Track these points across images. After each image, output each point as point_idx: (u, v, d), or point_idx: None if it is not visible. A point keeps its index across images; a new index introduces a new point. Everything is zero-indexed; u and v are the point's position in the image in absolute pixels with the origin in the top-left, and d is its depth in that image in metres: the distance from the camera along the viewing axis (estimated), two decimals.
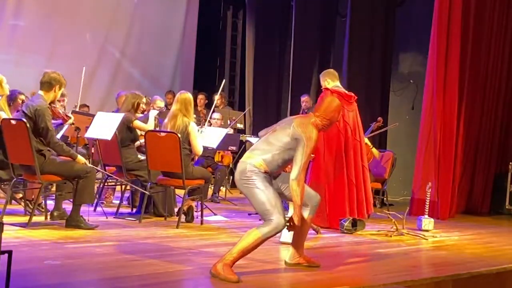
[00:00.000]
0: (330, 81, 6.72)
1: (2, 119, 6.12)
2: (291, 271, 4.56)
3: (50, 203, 6.48)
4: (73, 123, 6.60)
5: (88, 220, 5.92)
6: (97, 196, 7.01)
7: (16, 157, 5.94)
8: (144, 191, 6.63)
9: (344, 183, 6.65)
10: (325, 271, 4.62)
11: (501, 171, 9.82)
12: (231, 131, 9.20)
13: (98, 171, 6.92)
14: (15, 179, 6.10)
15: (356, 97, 6.86)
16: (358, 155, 6.72)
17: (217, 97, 9.74)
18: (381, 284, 4.26)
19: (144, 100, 7.29)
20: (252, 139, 9.10)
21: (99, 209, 6.96)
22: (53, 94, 5.96)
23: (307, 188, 4.51)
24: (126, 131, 7.02)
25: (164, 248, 5.24)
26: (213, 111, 9.40)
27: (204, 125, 8.75)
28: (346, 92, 6.77)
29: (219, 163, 9.05)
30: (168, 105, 9.75)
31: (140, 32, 12.51)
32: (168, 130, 6.53)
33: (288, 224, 4.35)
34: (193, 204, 6.91)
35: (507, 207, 9.61)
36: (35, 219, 5.92)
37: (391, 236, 6.53)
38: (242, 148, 9.96)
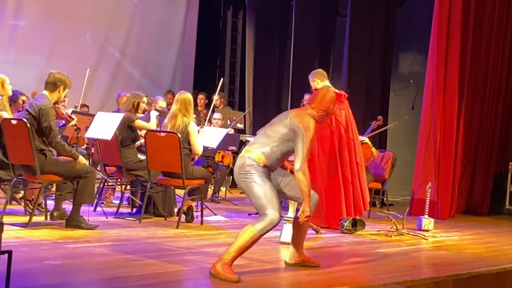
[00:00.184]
0: (320, 81, 6.71)
1: (2, 119, 6.12)
2: (291, 271, 4.56)
3: (50, 203, 6.47)
4: (75, 124, 6.61)
5: (88, 220, 5.92)
6: (97, 196, 7.01)
7: (17, 157, 5.95)
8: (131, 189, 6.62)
9: (339, 182, 6.62)
10: (325, 271, 4.62)
11: (501, 171, 9.82)
12: (231, 131, 9.20)
13: (98, 172, 6.92)
14: (15, 179, 6.10)
15: (346, 95, 6.85)
16: (352, 153, 6.71)
17: (215, 97, 9.74)
18: (381, 284, 4.26)
19: (145, 99, 7.28)
20: (252, 139, 9.08)
21: (99, 209, 6.96)
22: (58, 94, 5.97)
23: None
24: (127, 130, 7.02)
25: (164, 248, 5.24)
26: (213, 111, 9.40)
27: (204, 125, 8.75)
28: (337, 90, 6.75)
29: (220, 163, 9.05)
30: (168, 105, 9.75)
31: (140, 32, 12.51)
32: (168, 130, 6.54)
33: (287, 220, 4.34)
34: (193, 204, 6.92)
35: (507, 207, 9.61)
36: (35, 219, 5.92)
37: (391, 236, 6.53)
38: (242, 148, 9.94)
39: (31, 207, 6.16)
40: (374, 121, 8.41)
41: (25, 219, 5.96)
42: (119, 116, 6.83)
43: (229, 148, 8.67)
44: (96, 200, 6.93)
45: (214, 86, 11.47)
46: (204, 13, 13.35)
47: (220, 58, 14.08)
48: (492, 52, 9.43)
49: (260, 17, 12.51)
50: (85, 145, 8.77)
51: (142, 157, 7.01)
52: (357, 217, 6.84)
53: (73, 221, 5.81)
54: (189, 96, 6.76)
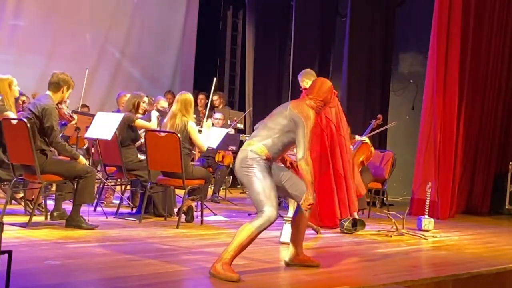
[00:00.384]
0: (308, 81, 6.69)
1: (3, 119, 6.12)
2: (291, 271, 4.56)
3: (50, 203, 6.48)
4: (75, 124, 6.61)
5: (88, 220, 5.93)
6: (97, 196, 7.02)
7: (17, 157, 5.95)
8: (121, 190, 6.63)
9: (331, 180, 6.56)
10: (325, 271, 4.62)
11: (501, 171, 9.82)
12: (232, 131, 9.21)
13: (98, 172, 6.93)
14: (15, 179, 6.10)
15: (336, 92, 6.82)
16: (344, 150, 6.70)
17: (213, 97, 9.73)
18: (381, 284, 4.25)
19: (145, 100, 7.28)
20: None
21: (99, 209, 6.97)
22: (61, 95, 5.98)
23: (302, 185, 4.47)
24: (127, 130, 7.03)
25: (164, 248, 5.24)
26: (213, 111, 9.40)
27: (204, 125, 8.74)
28: None
29: (220, 163, 9.05)
30: (169, 105, 9.75)
31: (140, 32, 12.51)
32: (167, 129, 6.54)
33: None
34: (193, 204, 6.92)
35: (507, 207, 9.61)
36: (35, 219, 5.92)
37: (391, 236, 6.52)
38: None
39: (31, 207, 6.16)
40: (374, 120, 8.40)
41: (25, 219, 5.96)
42: (119, 116, 6.84)
43: (229, 148, 8.68)
44: (96, 200, 6.93)
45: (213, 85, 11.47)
46: (204, 13, 13.35)
47: (220, 58, 14.07)
48: (492, 52, 9.43)
49: (260, 17, 12.51)
50: (85, 146, 8.77)
51: (142, 157, 7.01)
52: (357, 217, 6.84)
53: (73, 221, 5.81)
54: (190, 96, 6.77)
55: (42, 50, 11.09)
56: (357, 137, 8.08)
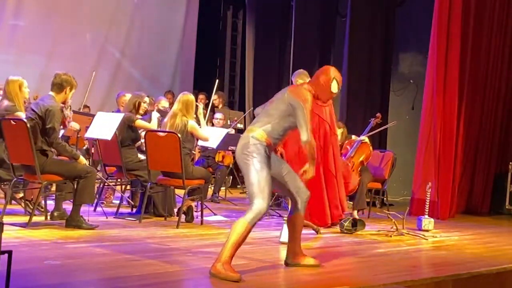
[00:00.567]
0: (302, 81, 6.67)
1: (3, 119, 6.13)
2: (291, 271, 4.55)
3: (50, 203, 6.48)
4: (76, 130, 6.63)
5: (88, 220, 5.93)
6: (97, 196, 7.02)
7: (17, 157, 5.95)
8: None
9: (321, 179, 6.49)
10: (325, 271, 4.62)
11: (501, 171, 9.82)
12: (232, 131, 9.21)
13: (98, 172, 6.93)
14: (15, 179, 6.10)
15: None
16: (336, 149, 6.69)
17: (213, 98, 9.74)
18: (381, 284, 4.25)
19: (146, 100, 7.28)
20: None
21: (99, 209, 6.97)
22: (64, 95, 5.98)
23: (298, 182, 4.51)
24: (128, 130, 7.03)
25: (164, 248, 5.24)
26: (212, 112, 9.41)
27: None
28: None
29: (220, 163, 9.05)
30: (170, 105, 9.75)
31: (140, 32, 12.51)
32: (167, 129, 6.54)
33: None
34: (193, 204, 6.92)
35: (507, 207, 9.61)
36: (35, 219, 5.92)
37: (391, 236, 6.52)
38: None
39: (31, 207, 6.16)
40: (373, 119, 8.37)
41: (25, 219, 5.96)
42: (119, 116, 6.84)
43: (229, 148, 8.68)
44: (96, 200, 6.93)
45: (214, 86, 11.49)
46: (204, 13, 13.35)
47: (220, 58, 14.08)
48: (492, 52, 9.43)
49: (260, 17, 12.51)
50: (85, 146, 8.77)
51: (142, 157, 7.01)
52: (357, 217, 6.83)
53: (73, 221, 5.82)
54: (191, 97, 6.78)
55: (42, 50, 11.09)
56: (354, 137, 8.07)
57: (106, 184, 7.52)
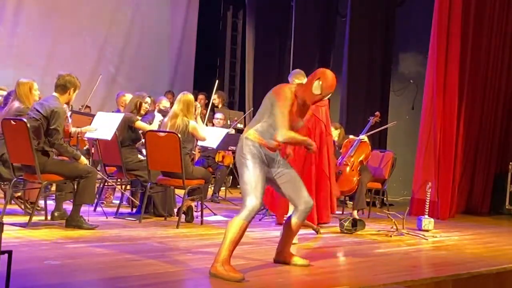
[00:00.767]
0: (298, 81, 6.68)
1: (2, 119, 6.13)
2: (291, 271, 4.55)
3: (51, 203, 6.48)
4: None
5: (88, 220, 5.93)
6: (97, 196, 7.02)
7: (17, 157, 5.95)
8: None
9: (311, 180, 6.47)
10: (325, 271, 4.62)
11: (501, 171, 9.82)
12: (232, 131, 9.21)
13: (98, 173, 6.93)
14: (15, 179, 6.10)
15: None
16: (331, 150, 6.70)
17: (213, 97, 9.74)
18: (381, 284, 4.25)
19: (148, 100, 7.28)
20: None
21: (99, 209, 6.97)
22: (68, 96, 5.99)
23: (303, 191, 4.47)
24: (128, 131, 7.03)
25: (164, 248, 5.24)
26: (212, 112, 9.41)
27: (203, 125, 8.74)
28: None
29: (220, 163, 9.05)
30: (171, 105, 9.75)
31: (140, 33, 12.51)
32: (167, 129, 6.55)
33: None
34: (193, 204, 6.92)
35: (507, 207, 9.61)
36: (35, 219, 5.92)
37: (391, 236, 6.52)
38: None
39: (28, 207, 6.16)
40: (372, 117, 8.36)
41: (25, 219, 5.96)
42: (119, 116, 6.85)
43: (229, 148, 8.68)
44: (96, 200, 6.93)
45: (214, 86, 11.50)
46: (204, 13, 13.35)
47: (220, 58, 14.07)
48: (492, 52, 9.43)
49: (260, 17, 12.50)
50: (85, 147, 8.77)
51: (142, 157, 7.01)
52: (357, 217, 6.83)
53: (73, 221, 5.82)
54: (192, 97, 6.80)
55: (42, 50, 11.09)
56: (351, 137, 8.07)
57: (107, 184, 7.52)
